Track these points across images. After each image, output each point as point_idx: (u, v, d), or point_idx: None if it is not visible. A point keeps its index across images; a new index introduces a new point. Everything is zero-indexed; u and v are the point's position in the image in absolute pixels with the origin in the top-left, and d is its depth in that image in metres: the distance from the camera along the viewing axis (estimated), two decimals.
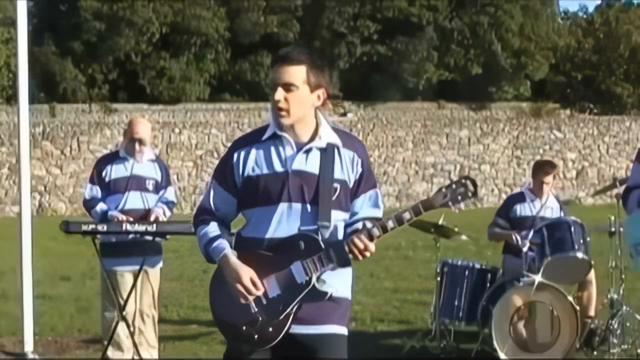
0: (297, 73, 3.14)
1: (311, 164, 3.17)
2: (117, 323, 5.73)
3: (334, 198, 3.16)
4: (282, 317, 3.09)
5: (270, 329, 3.09)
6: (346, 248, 3.08)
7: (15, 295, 6.93)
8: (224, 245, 3.19)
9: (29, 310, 6.26)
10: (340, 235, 3.20)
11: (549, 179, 6.73)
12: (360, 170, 3.24)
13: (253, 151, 3.20)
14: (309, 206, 3.14)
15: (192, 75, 38.40)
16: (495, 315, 5.87)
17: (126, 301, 5.70)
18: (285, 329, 3.10)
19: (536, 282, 5.83)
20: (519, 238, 6.50)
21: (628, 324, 6.35)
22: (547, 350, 5.87)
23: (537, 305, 5.90)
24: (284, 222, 3.14)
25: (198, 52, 38.74)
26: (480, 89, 39.41)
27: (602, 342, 6.30)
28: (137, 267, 5.76)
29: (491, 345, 5.89)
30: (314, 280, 3.10)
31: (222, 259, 3.17)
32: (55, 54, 36.89)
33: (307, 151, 3.17)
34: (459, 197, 3.12)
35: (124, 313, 5.67)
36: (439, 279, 6.43)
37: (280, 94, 3.12)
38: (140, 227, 5.55)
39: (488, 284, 6.40)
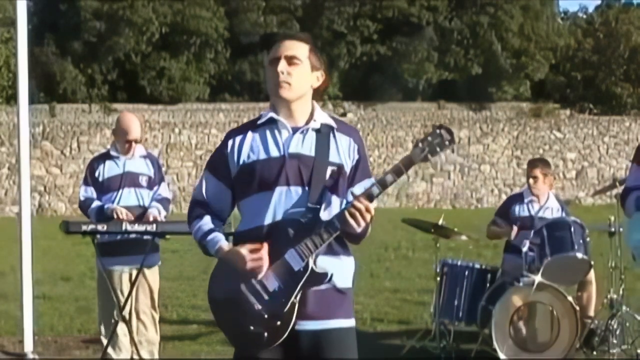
0: (300, 48, 3.15)
1: (307, 146, 3.13)
2: (116, 323, 5.73)
3: (330, 181, 3.11)
4: (287, 308, 3.03)
5: (279, 323, 3.04)
6: (346, 216, 2.99)
7: (15, 295, 6.92)
8: (219, 238, 3.15)
9: (29, 310, 6.26)
10: None
11: (537, 172, 6.72)
12: (357, 156, 3.19)
13: (248, 138, 3.16)
14: (307, 189, 3.09)
15: (191, 75, 38.38)
16: (495, 315, 5.87)
17: (125, 301, 5.70)
18: (293, 320, 3.04)
19: (536, 282, 5.84)
20: (516, 231, 6.54)
21: (628, 324, 6.35)
22: (547, 350, 5.87)
23: (537, 306, 5.90)
24: (283, 206, 3.08)
25: (198, 52, 38.71)
26: (480, 89, 39.40)
27: (601, 342, 6.29)
28: (134, 266, 5.76)
29: (491, 345, 5.89)
30: (311, 264, 3.04)
31: (218, 251, 3.12)
32: (55, 54, 36.88)
33: (303, 133, 3.14)
34: (437, 148, 3.05)
35: (123, 313, 5.67)
36: (438, 279, 6.43)
37: (283, 65, 3.10)
38: (140, 227, 5.55)
39: (488, 284, 6.40)
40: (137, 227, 5.53)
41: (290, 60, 3.12)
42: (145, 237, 5.65)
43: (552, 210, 6.74)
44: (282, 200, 3.09)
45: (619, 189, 6.08)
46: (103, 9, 37.07)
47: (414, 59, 39.44)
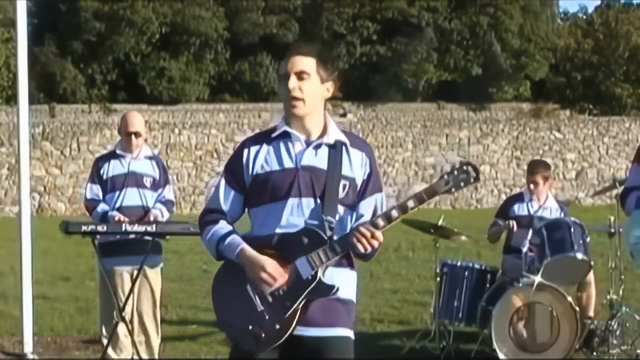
0: (309, 62, 3.19)
1: (320, 160, 3.18)
2: (116, 323, 5.73)
3: (342, 194, 3.16)
4: (288, 314, 3.07)
5: (277, 327, 3.07)
6: (353, 239, 3.04)
7: (15, 296, 6.92)
8: (239, 241, 3.16)
9: (29, 310, 6.25)
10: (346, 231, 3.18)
11: (538, 178, 6.73)
12: (368, 170, 3.24)
13: (263, 149, 3.22)
14: (318, 201, 3.14)
15: (191, 76, 38.34)
16: (494, 315, 5.87)
17: (125, 301, 5.70)
18: (293, 326, 3.08)
19: (536, 283, 5.84)
20: (512, 223, 6.55)
21: (627, 325, 6.36)
22: (547, 350, 5.88)
23: (537, 306, 5.90)
24: (294, 216, 3.13)
25: (198, 52, 38.69)
26: (480, 90, 39.36)
27: (601, 342, 6.30)
28: (135, 267, 5.76)
29: (491, 345, 5.90)
30: (320, 274, 3.08)
31: (239, 253, 3.13)
32: (55, 54, 36.85)
33: (316, 147, 3.20)
34: (462, 184, 3.12)
35: (123, 313, 5.67)
36: (438, 279, 6.43)
37: (294, 82, 3.16)
38: (140, 228, 5.56)
39: (487, 285, 6.41)
40: (137, 228, 5.54)
41: (300, 75, 3.17)
42: (146, 237, 5.66)
43: (551, 209, 6.75)
44: (294, 211, 3.14)
45: (619, 190, 6.08)
46: (103, 9, 37.03)
47: (413, 59, 39.41)
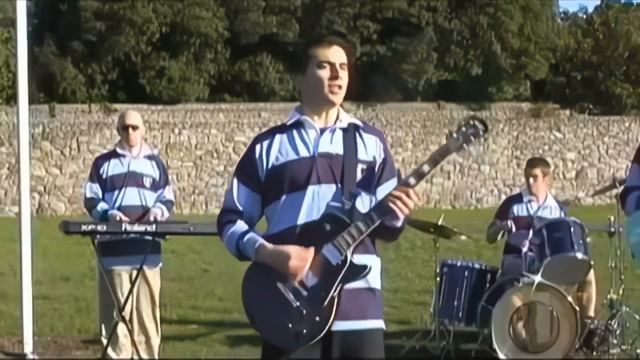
0: (348, 55, 3.22)
1: (336, 146, 3.16)
2: (116, 323, 5.73)
3: (360, 178, 3.13)
4: (326, 303, 3.01)
5: (318, 319, 3.01)
6: (388, 204, 2.99)
7: (15, 296, 6.93)
8: (257, 237, 3.11)
9: (29, 310, 6.26)
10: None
11: (537, 171, 6.74)
12: (383, 155, 3.22)
13: (276, 140, 3.18)
14: (339, 186, 3.10)
15: (191, 76, 38.33)
16: (494, 315, 5.87)
17: (125, 301, 5.70)
18: (333, 316, 3.02)
19: (536, 283, 5.84)
20: (511, 224, 6.55)
21: (627, 325, 6.36)
22: (547, 350, 5.87)
23: (537, 306, 5.90)
24: (315, 204, 3.08)
25: (197, 52, 38.69)
26: (480, 90, 39.35)
27: (601, 342, 6.30)
28: (135, 266, 5.76)
29: (491, 345, 5.89)
30: (349, 256, 3.03)
31: (258, 249, 3.07)
32: (55, 54, 36.85)
33: (331, 132, 3.17)
34: (471, 137, 3.07)
35: (123, 313, 5.67)
36: (438, 279, 6.43)
37: (340, 72, 3.16)
38: (140, 227, 5.55)
39: (487, 285, 6.41)
40: (137, 228, 5.54)
41: (342, 66, 3.18)
42: (146, 237, 5.66)
43: (550, 209, 6.76)
44: (315, 199, 3.09)
45: (619, 189, 6.08)
46: (103, 9, 37.04)
47: (413, 59, 39.40)
